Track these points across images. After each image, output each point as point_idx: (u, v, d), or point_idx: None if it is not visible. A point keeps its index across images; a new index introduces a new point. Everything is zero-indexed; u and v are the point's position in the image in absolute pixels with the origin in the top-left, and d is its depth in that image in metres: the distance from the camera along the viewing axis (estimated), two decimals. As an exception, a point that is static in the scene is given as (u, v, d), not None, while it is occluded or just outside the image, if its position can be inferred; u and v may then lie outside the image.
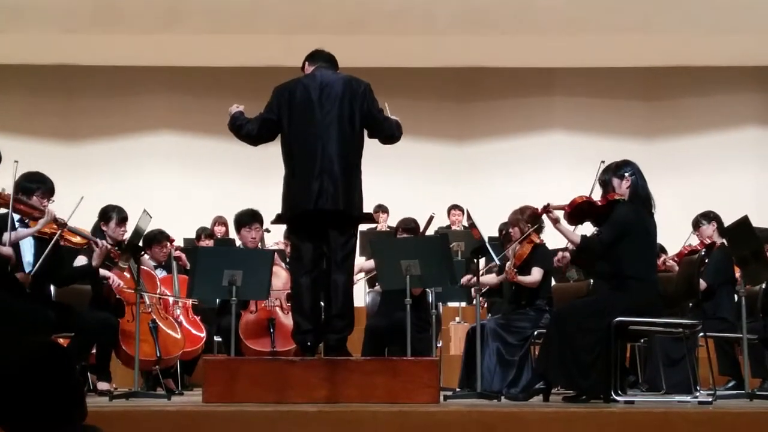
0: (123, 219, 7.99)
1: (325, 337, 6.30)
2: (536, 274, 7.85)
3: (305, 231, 6.30)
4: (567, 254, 7.08)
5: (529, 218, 7.96)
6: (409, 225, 8.87)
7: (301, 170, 6.21)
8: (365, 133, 6.43)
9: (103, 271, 7.80)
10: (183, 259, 9.03)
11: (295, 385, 5.96)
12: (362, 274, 9.26)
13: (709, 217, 8.71)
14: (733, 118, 15.95)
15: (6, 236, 6.40)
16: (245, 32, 14.08)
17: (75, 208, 7.04)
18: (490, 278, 8.60)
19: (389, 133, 6.47)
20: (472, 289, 7.69)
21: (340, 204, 6.17)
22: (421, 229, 10.36)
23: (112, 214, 7.97)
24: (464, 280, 8.42)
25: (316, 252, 6.30)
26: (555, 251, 8.31)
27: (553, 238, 7.94)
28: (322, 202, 6.14)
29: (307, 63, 6.59)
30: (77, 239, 6.94)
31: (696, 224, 8.76)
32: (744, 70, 15.86)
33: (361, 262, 10.61)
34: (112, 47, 14.71)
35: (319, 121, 6.23)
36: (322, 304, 6.55)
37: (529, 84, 16.08)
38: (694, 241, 8.79)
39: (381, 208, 12.98)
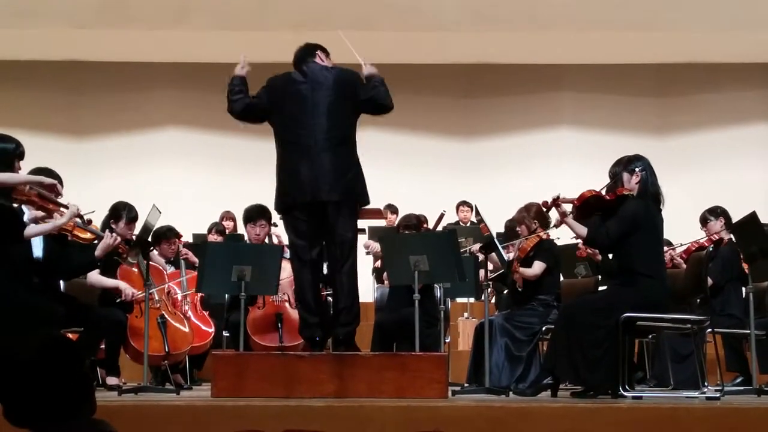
0: (133, 218, 7.96)
1: (333, 331, 6.32)
2: (536, 267, 7.85)
3: (303, 223, 6.31)
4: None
5: (536, 214, 7.98)
6: (410, 222, 8.85)
7: (294, 161, 6.25)
8: (358, 117, 6.46)
9: (114, 282, 7.80)
10: (190, 257, 9.03)
11: (304, 380, 5.98)
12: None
13: (717, 212, 8.69)
14: (743, 115, 15.93)
15: (29, 229, 6.39)
16: (254, 28, 14.08)
17: (85, 215, 7.02)
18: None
19: (378, 99, 6.42)
20: (483, 284, 7.68)
21: (336, 193, 6.18)
22: (432, 226, 10.37)
23: (122, 212, 7.93)
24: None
25: (315, 244, 6.32)
26: (566, 246, 8.32)
27: (561, 231, 7.94)
28: (318, 193, 6.17)
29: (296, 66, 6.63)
30: (86, 235, 6.92)
31: (703, 220, 8.73)
32: (754, 66, 15.83)
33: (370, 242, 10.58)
34: (120, 43, 14.74)
35: (310, 110, 6.28)
36: (329, 299, 6.57)
37: (538, 80, 16.07)
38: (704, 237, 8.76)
39: (390, 209, 12.95)
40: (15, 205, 6.32)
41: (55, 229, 6.57)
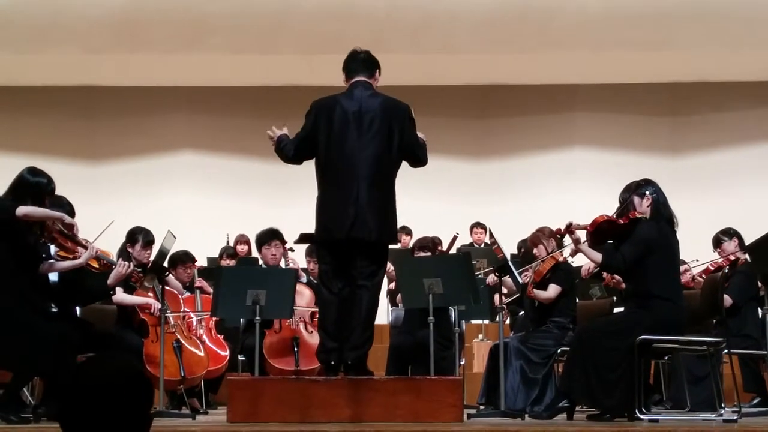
0: (149, 242, 7.99)
1: (343, 355, 6.21)
2: (551, 290, 7.81)
3: (338, 255, 6.24)
4: (591, 265, 7.07)
5: (551, 236, 7.96)
6: (425, 243, 8.84)
7: (336, 194, 6.16)
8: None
9: (143, 299, 7.82)
10: (206, 287, 9.01)
11: (319, 405, 5.97)
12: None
13: (729, 233, 8.65)
14: (757, 133, 15.86)
15: (48, 266, 6.49)
16: (266, 52, 14.13)
17: (104, 230, 7.07)
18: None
19: (421, 158, 6.42)
20: (496, 307, 7.67)
21: (374, 234, 6.11)
22: (445, 248, 10.34)
23: (138, 236, 7.97)
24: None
25: (345, 270, 6.25)
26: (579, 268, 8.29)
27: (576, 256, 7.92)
28: (356, 231, 6.08)
29: (345, 75, 6.45)
30: (97, 264, 6.93)
31: (717, 242, 8.69)
32: (767, 84, 15.79)
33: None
34: (133, 67, 14.80)
35: (357, 144, 6.13)
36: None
37: (551, 101, 16.05)
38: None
39: (404, 230, 12.96)
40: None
41: (71, 268, 6.64)
